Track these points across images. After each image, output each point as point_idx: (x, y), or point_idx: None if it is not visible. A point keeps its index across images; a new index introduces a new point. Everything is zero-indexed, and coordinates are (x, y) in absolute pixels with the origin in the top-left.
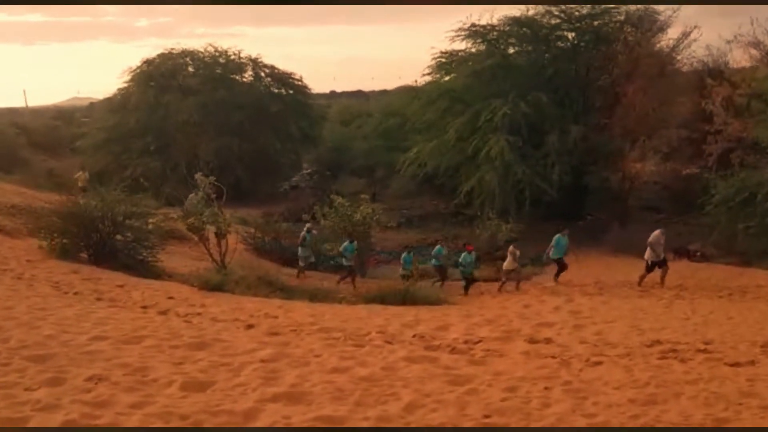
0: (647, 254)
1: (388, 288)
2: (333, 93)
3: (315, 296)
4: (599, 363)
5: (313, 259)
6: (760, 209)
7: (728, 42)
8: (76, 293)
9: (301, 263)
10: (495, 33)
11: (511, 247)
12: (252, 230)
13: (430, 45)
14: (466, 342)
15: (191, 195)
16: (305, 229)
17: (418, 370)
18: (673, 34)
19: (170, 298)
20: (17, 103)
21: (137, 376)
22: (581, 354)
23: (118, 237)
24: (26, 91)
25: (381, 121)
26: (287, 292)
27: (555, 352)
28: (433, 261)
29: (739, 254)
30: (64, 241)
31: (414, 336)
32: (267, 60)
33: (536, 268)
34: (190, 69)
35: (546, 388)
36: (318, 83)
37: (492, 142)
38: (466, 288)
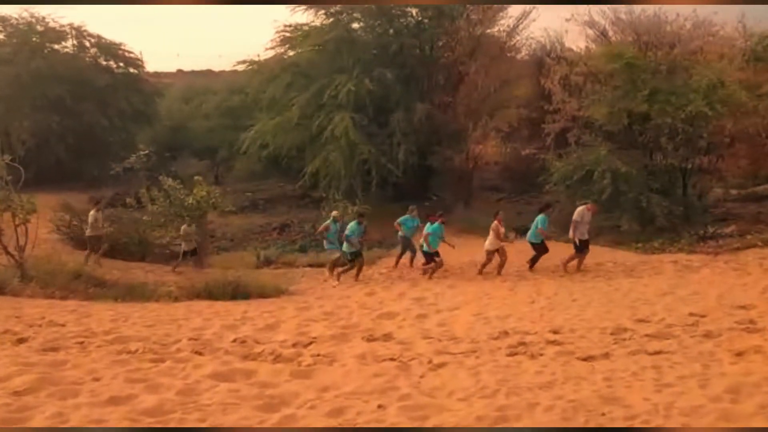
0: (572, 233)
1: (215, 280)
2: (180, 72)
3: (131, 292)
4: (443, 365)
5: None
6: (597, 187)
7: (567, 20)
8: None
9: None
10: (338, 6)
11: (494, 223)
12: (67, 218)
13: (273, 18)
14: (295, 345)
15: None
16: (331, 217)
17: (225, 392)
18: (513, 12)
19: None
20: None
21: None
22: (423, 353)
23: None
24: None
25: (224, 99)
26: (104, 288)
27: (394, 352)
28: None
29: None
30: None
31: (234, 341)
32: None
33: (382, 251)
34: (1, 36)
35: (380, 407)
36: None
37: (337, 120)
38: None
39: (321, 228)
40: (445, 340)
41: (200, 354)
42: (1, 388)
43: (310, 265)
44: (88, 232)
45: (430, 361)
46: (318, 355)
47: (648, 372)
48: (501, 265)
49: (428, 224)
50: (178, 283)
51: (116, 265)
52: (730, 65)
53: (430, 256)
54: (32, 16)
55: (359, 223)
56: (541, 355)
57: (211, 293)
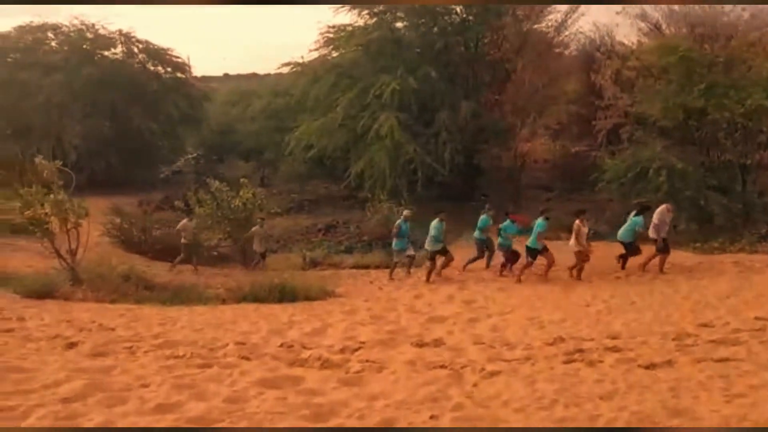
0: (654, 234)
1: (262, 282)
2: (227, 76)
3: (179, 295)
4: (497, 373)
5: (412, 253)
6: (652, 185)
7: (617, 13)
8: None
9: (395, 259)
10: (381, 5)
11: (576, 222)
12: (118, 221)
13: (317, 20)
14: (342, 350)
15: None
16: (401, 217)
17: (272, 400)
18: (561, 7)
19: None
20: None
21: None
22: (476, 360)
23: None
24: None
25: (269, 101)
26: (153, 291)
27: (445, 359)
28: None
29: None
30: None
31: (281, 346)
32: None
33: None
34: (54, 44)
35: (432, 417)
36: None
37: (381, 119)
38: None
39: (394, 228)
40: (498, 346)
41: (247, 359)
42: (51, 395)
43: (356, 267)
44: (182, 240)
45: (482, 369)
46: (366, 361)
47: (716, 381)
48: (548, 267)
49: (506, 222)
50: (225, 285)
51: (165, 267)
52: None
53: (535, 254)
54: (82, 23)
55: (441, 221)
56: (600, 362)
57: (257, 296)
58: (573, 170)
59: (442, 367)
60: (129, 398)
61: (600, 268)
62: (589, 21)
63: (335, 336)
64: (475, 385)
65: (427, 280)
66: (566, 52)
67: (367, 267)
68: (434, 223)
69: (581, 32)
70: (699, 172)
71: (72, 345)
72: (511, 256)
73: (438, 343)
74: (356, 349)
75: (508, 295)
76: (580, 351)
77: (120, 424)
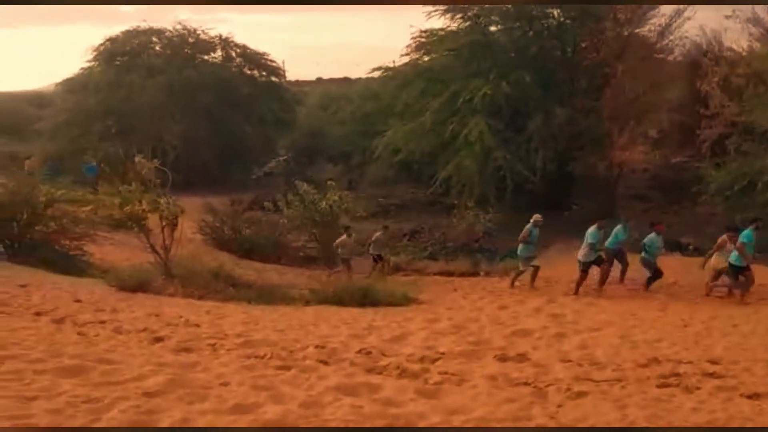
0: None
1: (344, 285)
2: (320, 80)
3: (263, 295)
4: (583, 394)
5: (537, 263)
6: (760, 199)
7: (727, 17)
8: None
9: (522, 267)
10: (475, 9)
11: (722, 238)
12: (210, 219)
13: (410, 24)
14: (422, 359)
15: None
16: (532, 221)
17: (348, 407)
18: (666, 10)
19: (77, 301)
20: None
21: None
22: (561, 379)
23: (37, 227)
24: None
25: (359, 105)
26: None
27: (529, 375)
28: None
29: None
30: None
31: (360, 351)
32: (255, 47)
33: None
34: (157, 48)
35: None
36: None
37: (471, 125)
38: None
39: (523, 233)
40: (586, 365)
41: (325, 363)
42: (134, 388)
43: (440, 274)
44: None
45: (569, 389)
46: (446, 372)
47: None
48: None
49: (652, 234)
50: (309, 286)
51: (253, 266)
52: None
53: (739, 272)
54: (185, 28)
55: (600, 229)
56: (698, 388)
57: (340, 299)
58: (672, 181)
59: (526, 384)
60: (208, 396)
61: (698, 286)
62: (695, 25)
63: (415, 344)
64: (560, 405)
65: (576, 292)
66: (670, 58)
67: (451, 274)
68: (592, 230)
69: (686, 37)
70: None
71: (158, 339)
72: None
73: (522, 358)
74: (436, 360)
75: (599, 310)
76: (676, 375)
77: (197, 423)
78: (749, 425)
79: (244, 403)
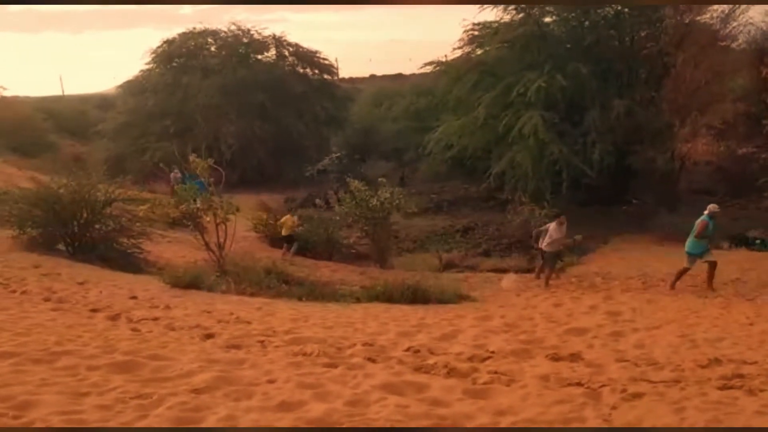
0: None
1: (394, 282)
2: (373, 77)
3: (312, 292)
4: (639, 395)
5: (713, 258)
6: None
7: None
8: (23, 292)
9: (688, 264)
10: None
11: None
12: (264, 217)
13: (462, 17)
14: (471, 358)
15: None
16: (707, 211)
17: (393, 406)
18: None
19: (132, 297)
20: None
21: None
22: (616, 379)
23: (96, 226)
24: (63, 78)
25: (411, 101)
26: (291, 286)
27: (582, 375)
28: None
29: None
30: (33, 230)
31: (408, 350)
32: (309, 45)
33: (572, 258)
34: (213, 49)
35: None
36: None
37: (525, 118)
38: None
39: (698, 226)
40: (643, 365)
41: (373, 361)
42: (183, 384)
43: (494, 270)
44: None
45: (623, 390)
46: (495, 372)
47: None
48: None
49: None
50: (360, 283)
51: (305, 263)
52: None
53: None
54: (239, 29)
55: (711, 216)
56: (762, 390)
57: (390, 296)
58: (739, 173)
59: (578, 384)
60: (255, 393)
61: (765, 281)
62: (760, 11)
63: (465, 343)
64: (614, 407)
65: (709, 286)
66: (734, 45)
67: (505, 271)
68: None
69: (751, 23)
70: None
71: (209, 336)
72: None
73: (575, 357)
74: (486, 359)
75: (659, 307)
76: (740, 376)
77: (242, 421)
78: None
79: (289, 401)
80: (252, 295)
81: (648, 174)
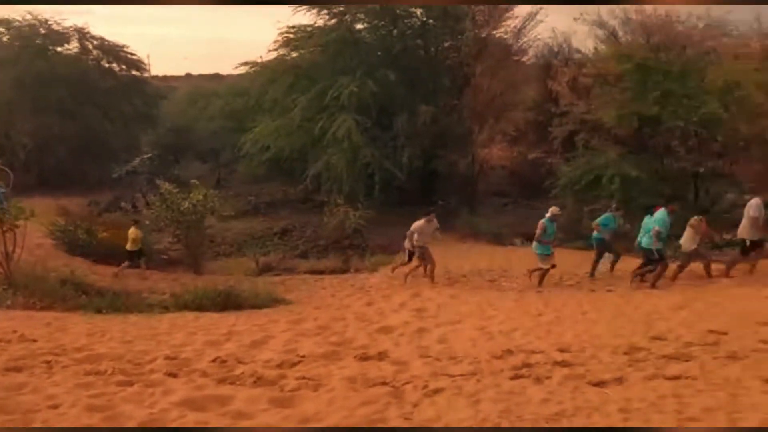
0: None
1: (205, 289)
2: (189, 76)
3: (114, 303)
4: (439, 390)
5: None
6: (605, 192)
7: (575, 20)
8: None
9: (543, 265)
10: (341, 6)
11: (693, 219)
12: (62, 222)
13: (277, 20)
14: (280, 365)
15: None
16: (548, 214)
17: (192, 424)
18: (520, 13)
19: None
20: None
21: None
22: (419, 376)
23: None
24: None
25: (228, 101)
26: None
27: (388, 374)
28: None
29: (586, 238)
30: None
31: (214, 360)
32: (117, 39)
33: (383, 257)
34: (5, 39)
35: None
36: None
37: (339, 122)
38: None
39: (537, 229)
40: (444, 360)
41: (174, 376)
42: None
43: (311, 272)
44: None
45: (425, 386)
46: (303, 377)
47: (668, 402)
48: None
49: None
50: (171, 291)
51: (110, 272)
52: (746, 66)
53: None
54: (35, 18)
55: (672, 212)
56: (548, 378)
57: (200, 304)
58: (529, 177)
59: (384, 383)
60: (33, 421)
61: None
62: (547, 28)
63: (275, 349)
64: (415, 405)
65: (653, 285)
66: (524, 59)
67: (321, 272)
68: (661, 215)
69: (539, 39)
70: (653, 180)
71: None
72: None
73: (383, 356)
74: (295, 364)
75: (461, 302)
76: (528, 366)
77: None
78: (595, 415)
79: (73, 427)
80: (43, 308)
81: (451, 177)
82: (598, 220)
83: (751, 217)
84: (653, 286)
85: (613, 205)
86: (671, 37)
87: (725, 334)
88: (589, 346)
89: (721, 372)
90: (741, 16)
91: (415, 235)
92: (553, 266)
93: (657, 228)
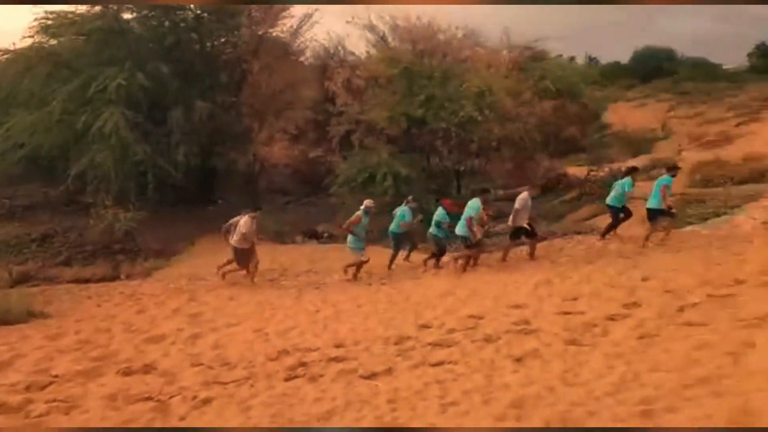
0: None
1: None
2: None
3: None
4: (209, 400)
5: (366, 258)
6: (379, 189)
7: (347, 22)
8: None
9: (356, 259)
10: None
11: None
12: None
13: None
14: (28, 388)
15: None
16: (363, 206)
17: None
18: (297, 12)
19: None
20: None
21: None
22: (188, 387)
23: None
24: None
25: None
26: None
27: (153, 388)
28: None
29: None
30: None
31: None
32: None
33: (158, 261)
34: None
35: None
36: None
37: (105, 116)
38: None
39: (350, 221)
40: (218, 367)
41: None
42: None
43: (75, 281)
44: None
45: (194, 397)
46: (55, 400)
47: (432, 388)
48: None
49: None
50: None
51: None
52: (497, 74)
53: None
54: None
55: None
56: (322, 376)
57: None
58: (311, 175)
59: (148, 398)
60: None
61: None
62: (324, 30)
63: (24, 370)
64: (182, 419)
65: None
66: (302, 59)
67: (87, 281)
68: (474, 204)
69: (316, 40)
70: (422, 178)
71: None
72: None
73: (149, 368)
74: (46, 386)
75: (239, 304)
76: (304, 365)
77: None
78: (365, 408)
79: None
80: None
81: (231, 175)
82: (397, 213)
83: (515, 209)
84: (464, 269)
85: (409, 198)
86: (434, 45)
87: (482, 318)
88: (363, 340)
89: (478, 355)
90: (492, 29)
91: (237, 235)
92: (367, 260)
93: (471, 216)
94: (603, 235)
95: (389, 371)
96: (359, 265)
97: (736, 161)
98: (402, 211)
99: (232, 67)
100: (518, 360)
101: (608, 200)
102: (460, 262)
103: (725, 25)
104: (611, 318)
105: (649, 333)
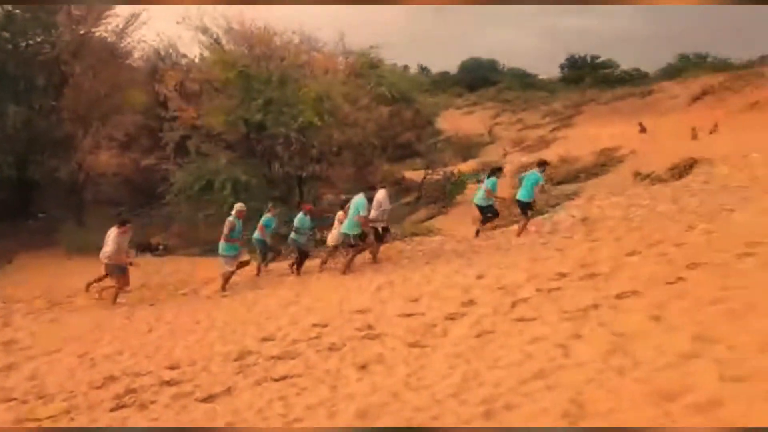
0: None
1: None
2: None
3: None
4: None
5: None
6: (217, 197)
7: (178, 23)
8: None
9: (229, 268)
10: None
11: (339, 213)
12: None
13: None
14: None
15: None
16: (233, 212)
17: None
18: (122, 12)
19: None
20: None
21: None
22: None
23: None
24: None
25: None
26: None
27: None
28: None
29: (203, 244)
30: None
31: None
32: None
33: None
34: None
35: None
36: None
37: None
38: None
39: (225, 228)
40: (33, 400)
41: None
42: None
43: None
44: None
45: None
46: None
47: (275, 405)
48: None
49: (300, 215)
50: None
51: None
52: (335, 79)
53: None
54: None
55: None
56: (153, 402)
57: None
58: (143, 184)
59: None
60: None
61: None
62: (153, 30)
63: None
64: None
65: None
66: (129, 61)
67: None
68: (361, 201)
69: (145, 41)
70: (262, 184)
71: None
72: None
73: None
74: None
75: (62, 327)
76: (133, 391)
77: None
78: None
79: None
80: None
81: (53, 186)
82: (261, 221)
83: (383, 209)
84: (348, 268)
85: (269, 205)
86: (271, 49)
87: (326, 326)
88: (200, 358)
89: (323, 365)
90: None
91: (109, 249)
92: (244, 263)
93: (360, 215)
94: (476, 233)
95: (228, 391)
96: (229, 275)
97: (554, 164)
98: (266, 219)
99: (50, 68)
100: (362, 367)
101: (475, 200)
102: (346, 258)
103: (542, 37)
104: (450, 317)
105: (486, 330)
